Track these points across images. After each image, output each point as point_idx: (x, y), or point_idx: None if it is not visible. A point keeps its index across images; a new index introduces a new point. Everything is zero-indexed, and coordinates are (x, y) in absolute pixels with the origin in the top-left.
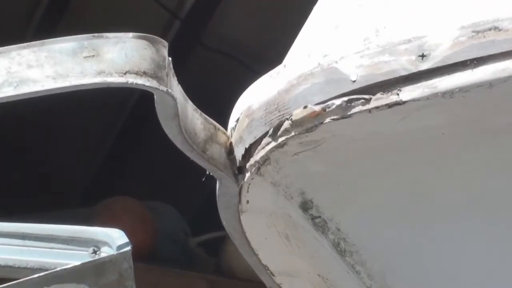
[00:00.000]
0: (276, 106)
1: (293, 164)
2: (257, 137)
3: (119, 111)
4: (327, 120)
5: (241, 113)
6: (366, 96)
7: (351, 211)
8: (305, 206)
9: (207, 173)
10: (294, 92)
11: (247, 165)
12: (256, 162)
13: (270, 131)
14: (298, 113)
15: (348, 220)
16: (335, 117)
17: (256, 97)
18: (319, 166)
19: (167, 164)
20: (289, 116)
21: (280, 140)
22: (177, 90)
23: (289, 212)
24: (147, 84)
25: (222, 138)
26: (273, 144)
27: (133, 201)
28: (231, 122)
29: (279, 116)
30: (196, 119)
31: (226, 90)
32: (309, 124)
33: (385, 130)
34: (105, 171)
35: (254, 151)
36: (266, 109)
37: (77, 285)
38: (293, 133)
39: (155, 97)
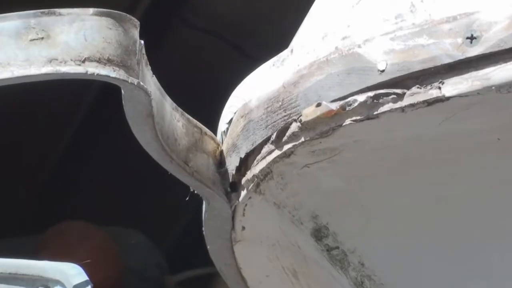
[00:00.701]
0: (280, 103)
1: (303, 179)
2: (256, 144)
3: (75, 109)
4: (347, 121)
5: (235, 113)
6: (398, 91)
7: (379, 240)
8: (319, 234)
9: (191, 191)
10: (305, 85)
11: (243, 181)
12: (255, 176)
13: (273, 136)
14: (309, 113)
15: (375, 252)
16: (357, 117)
17: (254, 92)
18: (337, 181)
19: (137, 180)
20: (297, 116)
21: (285, 148)
22: (151, 83)
23: (297, 241)
24: (112, 75)
25: (210, 145)
26: (277, 153)
27: (92, 227)
28: (222, 125)
29: (285, 116)
30: (176, 120)
31: (215, 81)
32: (324, 127)
33: (422, 134)
34: (56, 188)
35: (252, 162)
36: (267, 107)
37: None
38: (302, 139)
39: (122, 92)
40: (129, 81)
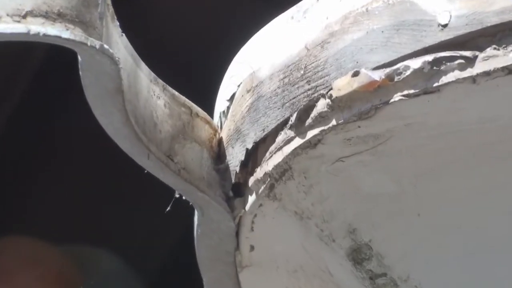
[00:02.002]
0: (302, 72)
1: (335, 178)
2: (269, 130)
3: (11, 84)
4: (396, 97)
5: (239, 86)
6: (467, 54)
7: (445, 265)
8: (358, 256)
9: (176, 196)
10: (336, 46)
11: (251, 181)
12: (268, 175)
13: (293, 119)
14: (343, 85)
15: (440, 281)
16: (410, 91)
17: (265, 56)
18: (383, 182)
19: (105, 183)
20: (326, 90)
21: (310, 134)
22: (120, 46)
23: (328, 266)
24: (65, 35)
25: (203, 131)
26: (298, 142)
27: (43, 245)
28: (221, 103)
29: (309, 90)
30: (155, 97)
31: (211, 40)
32: (364, 104)
33: (502, 115)
34: None
35: (263, 155)
36: (284, 78)
37: None
38: (334, 122)
39: (79, 58)
40: (89, 44)
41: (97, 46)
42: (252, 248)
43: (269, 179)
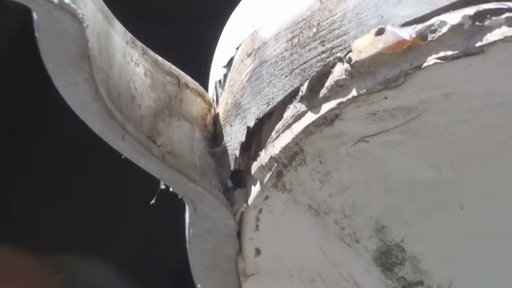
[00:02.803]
0: (315, 30)
1: (358, 163)
2: (275, 103)
3: None
4: (431, 60)
5: (238, 48)
6: None
7: (496, 269)
8: (388, 260)
9: (162, 187)
10: None
11: (254, 168)
12: (274, 159)
13: (303, 89)
14: (364, 46)
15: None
16: (447, 53)
17: (269, 11)
18: (417, 166)
19: (96, 181)
20: (344, 52)
21: (326, 108)
22: (86, 0)
23: (352, 273)
24: None
25: (195, 106)
26: (311, 117)
27: (17, 254)
28: (217, 69)
29: (323, 53)
30: (133, 63)
31: None
32: (391, 70)
33: None
34: None
35: (269, 134)
36: (292, 37)
37: None
38: (354, 92)
39: (34, 16)
40: None
41: (56, 0)
42: (258, 252)
43: (276, 165)
